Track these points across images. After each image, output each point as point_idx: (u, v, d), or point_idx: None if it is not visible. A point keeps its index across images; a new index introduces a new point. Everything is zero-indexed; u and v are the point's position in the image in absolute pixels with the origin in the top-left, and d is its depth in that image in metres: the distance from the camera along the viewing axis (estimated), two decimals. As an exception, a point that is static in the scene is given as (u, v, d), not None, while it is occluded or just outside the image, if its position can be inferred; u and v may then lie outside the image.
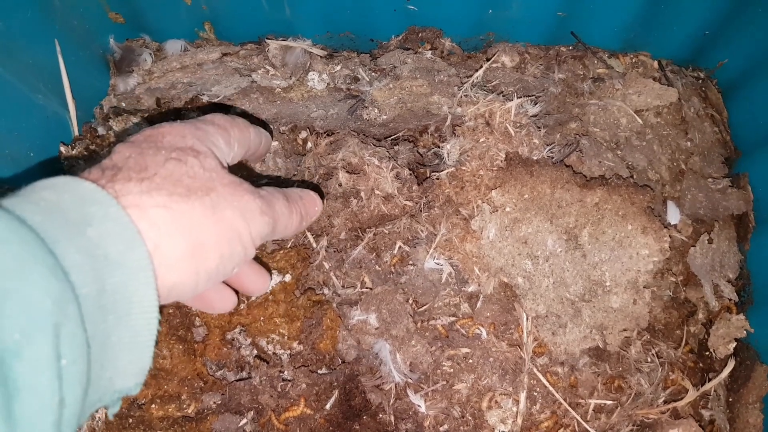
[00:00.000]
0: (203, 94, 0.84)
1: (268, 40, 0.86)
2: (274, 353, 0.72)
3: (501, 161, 0.74)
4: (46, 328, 0.31)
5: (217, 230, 0.45)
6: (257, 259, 0.74)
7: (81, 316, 0.34)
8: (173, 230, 0.42)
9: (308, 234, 0.77)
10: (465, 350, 0.72)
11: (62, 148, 0.76)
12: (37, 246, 0.33)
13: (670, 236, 0.75)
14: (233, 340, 0.72)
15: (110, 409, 0.42)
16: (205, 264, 0.45)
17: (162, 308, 0.70)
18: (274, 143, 0.81)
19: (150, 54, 0.89)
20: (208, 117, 0.55)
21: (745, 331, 0.75)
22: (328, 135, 0.80)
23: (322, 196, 0.76)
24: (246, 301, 0.73)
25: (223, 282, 0.60)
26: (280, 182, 0.78)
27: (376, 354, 0.71)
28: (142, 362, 0.40)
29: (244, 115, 0.83)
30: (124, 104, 0.86)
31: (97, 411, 0.67)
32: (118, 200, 0.40)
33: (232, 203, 0.47)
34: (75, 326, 0.33)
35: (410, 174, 0.78)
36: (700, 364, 0.77)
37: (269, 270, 0.72)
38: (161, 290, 0.42)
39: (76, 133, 0.79)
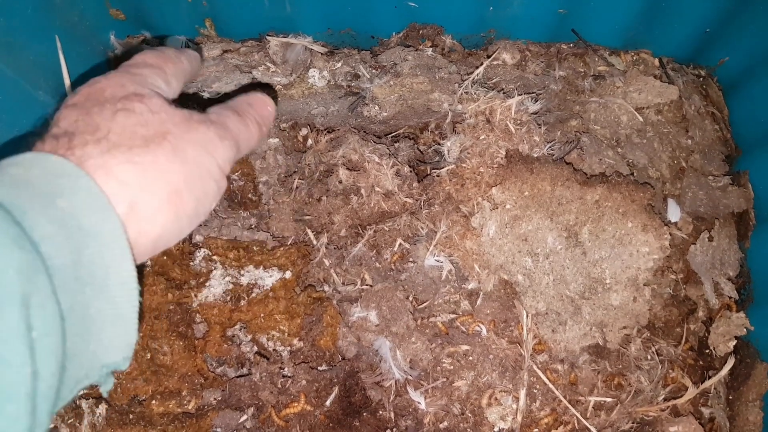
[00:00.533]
0: (204, 91, 0.84)
1: (268, 37, 0.86)
2: (274, 350, 0.72)
3: (501, 158, 0.74)
4: (13, 298, 0.31)
5: (185, 172, 0.44)
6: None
7: (53, 287, 0.34)
8: (144, 184, 0.41)
9: (308, 231, 0.77)
10: (465, 347, 0.72)
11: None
12: (3, 220, 0.33)
13: (671, 234, 0.75)
14: (233, 336, 0.73)
15: (102, 386, 0.41)
16: (184, 208, 0.44)
17: (163, 307, 0.70)
18: (275, 140, 0.81)
19: (151, 51, 0.89)
20: (138, 58, 0.53)
21: (745, 329, 0.75)
22: (328, 132, 0.81)
23: (274, 98, 0.74)
24: (246, 298, 0.73)
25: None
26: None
27: (376, 351, 0.72)
28: (127, 335, 0.40)
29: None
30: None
31: (98, 406, 0.67)
32: (82, 166, 0.39)
33: (191, 140, 0.46)
34: (45, 297, 0.33)
35: (410, 171, 0.78)
36: (700, 362, 0.77)
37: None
38: (147, 245, 0.42)
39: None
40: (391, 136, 0.82)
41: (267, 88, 0.83)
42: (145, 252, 0.42)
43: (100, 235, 0.37)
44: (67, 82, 0.76)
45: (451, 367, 0.72)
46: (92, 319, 0.37)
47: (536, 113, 0.79)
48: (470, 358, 0.72)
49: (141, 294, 0.39)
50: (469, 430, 0.70)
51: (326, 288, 0.74)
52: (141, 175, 0.41)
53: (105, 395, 0.47)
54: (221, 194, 0.50)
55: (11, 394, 0.30)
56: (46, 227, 0.35)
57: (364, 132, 0.81)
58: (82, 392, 0.67)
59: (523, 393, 0.70)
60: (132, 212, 0.40)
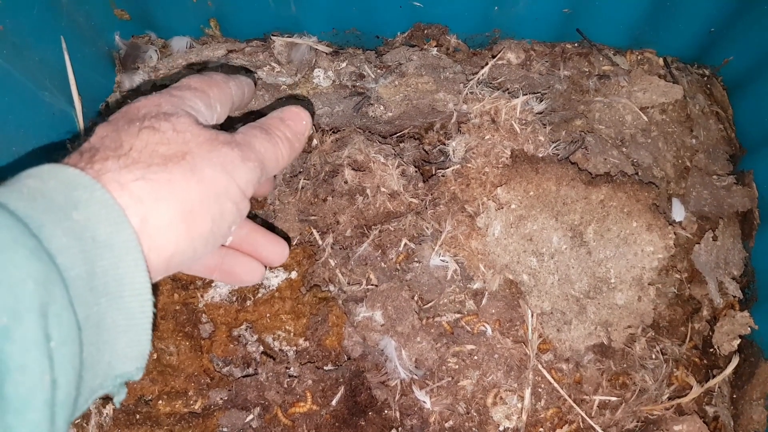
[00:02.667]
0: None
1: (273, 37, 0.86)
2: (280, 349, 0.72)
3: (506, 158, 0.74)
4: (32, 308, 0.32)
5: (200, 191, 0.44)
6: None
7: (69, 298, 0.34)
8: (157, 200, 0.41)
9: (314, 231, 0.77)
10: (470, 347, 0.72)
11: (69, 146, 0.76)
12: (19, 230, 0.33)
13: (675, 233, 0.75)
14: (240, 336, 0.73)
15: (116, 397, 0.42)
16: (198, 228, 0.44)
17: (170, 307, 0.71)
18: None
19: (156, 51, 0.89)
20: (183, 81, 0.53)
21: (749, 328, 0.75)
22: (333, 132, 0.81)
23: (310, 110, 0.74)
24: (252, 298, 0.73)
25: (244, 253, 0.61)
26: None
27: (382, 350, 0.72)
28: (140, 345, 0.40)
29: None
30: (129, 101, 0.86)
31: (105, 407, 0.67)
32: (99, 180, 0.40)
33: (211, 160, 0.46)
34: (62, 307, 0.33)
35: (416, 171, 0.78)
36: (705, 361, 0.77)
37: (288, 239, 0.70)
38: (160, 263, 0.42)
39: (82, 130, 0.79)
40: (396, 137, 0.83)
41: (303, 102, 0.83)
42: (159, 269, 0.43)
43: (114, 247, 0.38)
44: (72, 82, 0.76)
45: (457, 366, 0.72)
46: (107, 330, 0.38)
47: (541, 113, 0.79)
48: (475, 357, 0.72)
49: (155, 305, 0.40)
50: (474, 429, 0.70)
51: (332, 288, 0.75)
52: (153, 192, 0.41)
53: (117, 405, 0.48)
54: (242, 216, 0.50)
55: (32, 401, 0.31)
56: (62, 239, 0.35)
57: (370, 132, 0.81)
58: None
59: (528, 392, 0.71)
60: (144, 227, 0.40)
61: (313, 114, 0.69)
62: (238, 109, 0.65)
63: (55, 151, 0.74)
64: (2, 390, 0.30)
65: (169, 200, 0.42)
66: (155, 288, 0.41)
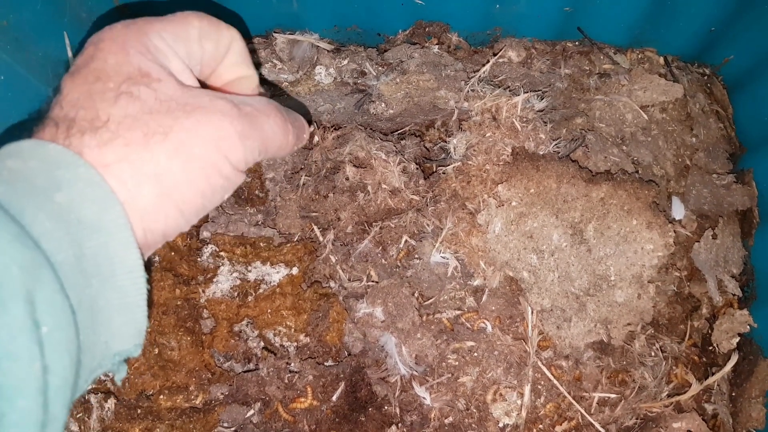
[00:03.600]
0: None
1: (275, 34, 0.87)
2: (281, 345, 0.73)
3: (507, 156, 0.75)
4: (17, 295, 0.30)
5: (188, 170, 0.40)
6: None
7: (60, 283, 0.33)
8: (140, 183, 0.38)
9: (315, 228, 0.77)
10: (470, 343, 0.72)
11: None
12: (0, 215, 0.32)
13: (675, 231, 0.75)
14: (240, 332, 0.73)
15: (116, 374, 0.40)
16: (187, 204, 0.41)
17: (171, 303, 0.71)
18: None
19: (157, 47, 0.89)
20: (160, 17, 0.46)
21: (748, 326, 0.76)
22: (335, 129, 0.81)
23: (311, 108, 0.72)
24: (253, 294, 0.73)
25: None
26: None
27: (382, 347, 0.72)
28: (136, 323, 0.39)
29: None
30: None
31: (106, 401, 0.68)
32: (81, 156, 0.37)
33: (201, 135, 0.41)
34: (53, 292, 0.32)
35: (417, 168, 0.78)
36: (704, 359, 0.77)
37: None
38: (154, 239, 0.40)
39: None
40: (398, 134, 0.83)
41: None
42: (154, 244, 0.41)
43: (102, 227, 0.36)
44: (75, 78, 0.76)
45: (456, 363, 0.72)
46: (101, 310, 0.37)
47: (542, 111, 0.80)
48: (475, 354, 0.72)
49: (149, 282, 0.39)
50: (474, 425, 0.70)
51: (332, 284, 0.75)
52: (138, 174, 0.39)
53: (119, 383, 0.46)
54: (234, 188, 0.46)
55: (21, 389, 0.30)
56: (45, 224, 0.34)
57: (371, 129, 0.81)
58: (91, 386, 0.67)
59: (527, 389, 0.71)
60: (132, 208, 0.38)
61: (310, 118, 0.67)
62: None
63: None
64: None
65: (153, 182, 0.39)
66: (148, 266, 0.40)
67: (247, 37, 0.90)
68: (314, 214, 0.77)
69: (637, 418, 0.72)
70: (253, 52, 0.88)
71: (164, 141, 0.39)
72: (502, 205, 0.73)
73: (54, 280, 0.33)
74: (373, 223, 0.77)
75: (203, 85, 0.48)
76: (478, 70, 0.83)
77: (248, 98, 0.47)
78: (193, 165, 0.41)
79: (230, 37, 0.49)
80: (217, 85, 0.52)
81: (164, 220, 0.40)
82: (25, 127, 0.41)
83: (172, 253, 0.73)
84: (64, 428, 0.34)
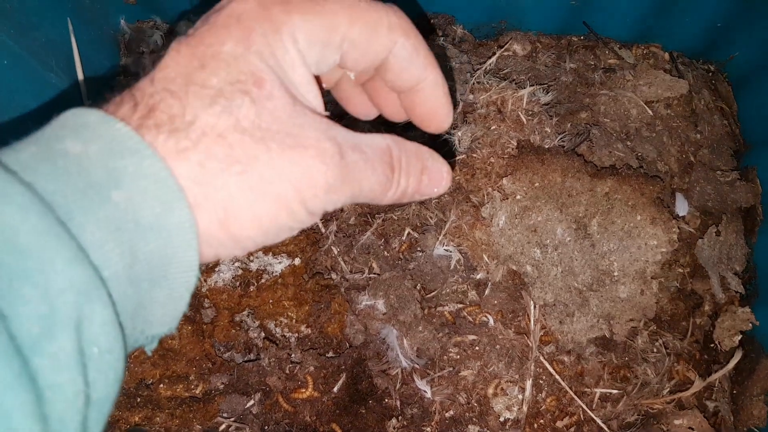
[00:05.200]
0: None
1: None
2: (282, 336, 0.72)
3: (512, 149, 0.74)
4: (68, 321, 0.28)
5: (255, 207, 0.35)
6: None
7: (111, 302, 0.30)
8: (202, 204, 0.34)
9: (317, 220, 0.76)
10: (472, 337, 0.72)
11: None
12: (59, 227, 0.28)
13: (678, 228, 0.75)
14: (241, 322, 0.73)
15: (147, 347, 0.37)
16: (245, 237, 0.36)
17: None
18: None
19: (161, 35, 0.88)
20: (307, 3, 0.37)
21: (750, 324, 0.75)
22: (338, 120, 0.80)
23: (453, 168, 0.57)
24: (255, 284, 0.73)
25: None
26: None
27: (383, 339, 0.72)
28: (176, 311, 0.36)
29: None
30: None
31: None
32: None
33: (287, 177, 0.35)
34: (104, 315, 0.30)
35: (421, 160, 0.78)
36: (705, 356, 0.77)
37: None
38: (201, 260, 0.35)
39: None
40: (402, 125, 0.82)
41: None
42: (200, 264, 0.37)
43: (163, 228, 0.33)
44: (78, 64, 0.76)
45: (458, 356, 0.72)
46: (144, 307, 0.34)
47: (547, 104, 0.79)
48: (477, 348, 0.72)
49: (198, 278, 0.35)
50: (474, 419, 0.70)
51: (334, 276, 0.74)
52: (202, 196, 0.34)
53: (149, 354, 0.43)
54: (301, 228, 0.39)
55: (67, 421, 0.29)
56: (95, 234, 0.30)
57: (375, 121, 0.81)
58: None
59: (529, 383, 0.71)
60: None
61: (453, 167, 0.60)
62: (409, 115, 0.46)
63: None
64: (42, 409, 0.27)
65: (215, 210, 0.34)
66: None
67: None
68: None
69: (638, 414, 0.72)
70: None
71: (242, 174, 0.34)
72: (507, 199, 0.73)
73: (108, 301, 0.30)
74: (376, 215, 0.76)
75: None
76: (483, 63, 0.83)
77: (366, 140, 0.39)
78: (263, 204, 0.35)
79: (389, 44, 0.40)
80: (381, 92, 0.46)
81: (216, 247, 0.36)
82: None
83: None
84: None
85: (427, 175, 0.43)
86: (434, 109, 0.45)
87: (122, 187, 0.31)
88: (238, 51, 0.35)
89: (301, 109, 0.36)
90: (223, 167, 0.33)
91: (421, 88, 0.43)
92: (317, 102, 0.39)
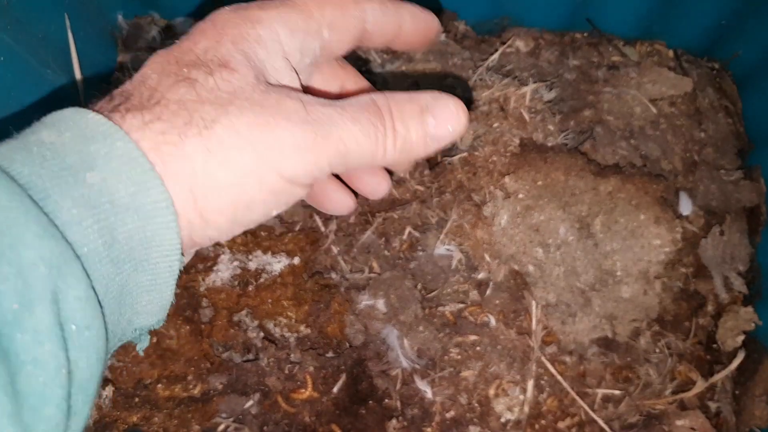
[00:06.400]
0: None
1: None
2: (281, 336, 0.72)
3: (515, 147, 0.74)
4: (44, 295, 0.28)
5: (221, 174, 0.35)
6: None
7: (87, 278, 0.30)
8: (168, 176, 0.34)
9: (317, 217, 0.76)
10: (473, 337, 0.71)
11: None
12: (29, 202, 0.29)
13: (682, 227, 0.74)
14: (240, 321, 0.72)
15: (138, 344, 0.38)
16: (215, 215, 0.36)
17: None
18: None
19: (158, 31, 0.87)
20: (278, 3, 0.39)
21: (753, 324, 0.75)
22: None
23: (469, 105, 0.56)
24: (254, 283, 0.73)
25: (340, 181, 0.49)
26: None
27: (384, 339, 0.71)
28: (162, 300, 0.36)
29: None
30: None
31: (104, 388, 0.67)
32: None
33: (247, 137, 0.35)
34: (81, 290, 0.30)
35: (422, 158, 0.77)
36: (708, 356, 0.76)
37: (390, 173, 0.54)
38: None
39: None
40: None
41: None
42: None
43: (140, 209, 0.33)
44: (75, 60, 0.75)
45: (459, 357, 0.71)
46: (129, 293, 0.34)
47: (551, 102, 0.79)
48: (478, 348, 0.71)
49: (182, 264, 0.36)
50: (475, 420, 0.69)
51: (334, 275, 0.74)
52: (165, 168, 0.34)
53: (141, 353, 0.43)
54: (291, 203, 0.39)
55: (47, 396, 0.29)
56: (72, 211, 0.31)
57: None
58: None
59: (530, 384, 0.70)
60: None
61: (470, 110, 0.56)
62: (407, 47, 0.47)
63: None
64: (16, 385, 0.27)
65: (178, 182, 0.34)
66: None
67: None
68: (317, 203, 0.76)
69: (640, 415, 0.71)
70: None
71: (200, 135, 0.34)
72: (509, 197, 0.72)
73: (83, 276, 0.30)
74: (376, 214, 0.76)
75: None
76: (485, 59, 0.82)
77: (343, 99, 0.39)
78: (229, 172, 0.35)
79: (361, 15, 0.41)
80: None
81: (188, 227, 0.35)
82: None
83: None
84: (86, 422, 0.32)
85: (431, 114, 0.40)
86: (423, 31, 0.48)
87: (96, 168, 0.32)
88: (209, 45, 0.36)
89: (265, 84, 0.37)
90: (181, 132, 0.34)
91: (405, 29, 0.45)
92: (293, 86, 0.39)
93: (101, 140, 0.32)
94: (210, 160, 0.34)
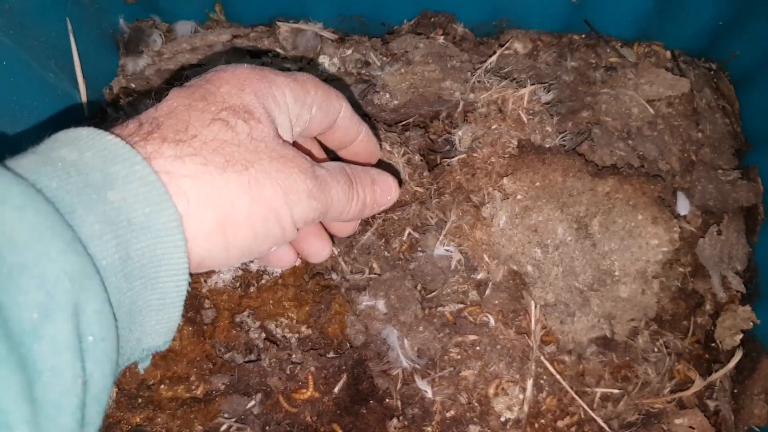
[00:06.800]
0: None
1: (279, 23, 0.86)
2: (283, 336, 0.72)
3: (513, 148, 0.74)
4: (65, 307, 0.30)
5: (251, 208, 0.41)
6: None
7: (106, 291, 0.32)
8: (202, 203, 0.38)
9: (318, 218, 0.76)
10: (472, 337, 0.72)
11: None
12: (54, 217, 0.31)
13: (680, 227, 0.75)
14: (242, 322, 0.73)
15: (141, 363, 0.40)
16: (236, 241, 0.41)
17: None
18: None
19: (160, 35, 0.88)
20: (286, 73, 0.48)
21: (751, 323, 0.75)
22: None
23: (400, 182, 0.70)
24: (256, 284, 0.73)
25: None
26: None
27: (384, 339, 0.72)
28: (170, 322, 0.39)
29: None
30: (133, 85, 0.85)
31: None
32: (149, 161, 0.36)
33: (276, 180, 0.42)
34: (101, 302, 0.32)
35: (421, 160, 0.78)
36: (706, 355, 0.77)
37: (331, 237, 0.64)
38: (191, 260, 0.39)
39: (87, 113, 0.79)
40: (402, 125, 0.82)
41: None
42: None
43: (152, 227, 0.35)
44: (77, 64, 0.76)
45: (459, 356, 0.72)
46: (139, 311, 0.36)
47: (548, 103, 0.79)
48: (477, 348, 0.72)
49: (189, 284, 0.38)
50: (475, 419, 0.70)
51: (334, 276, 0.74)
52: (201, 194, 0.38)
53: (142, 372, 0.46)
54: (286, 241, 0.46)
55: (63, 405, 0.30)
56: (94, 227, 0.33)
57: (375, 120, 0.81)
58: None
59: (530, 383, 0.71)
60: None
61: (401, 185, 0.68)
62: (354, 157, 0.60)
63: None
64: (34, 392, 0.28)
65: (214, 209, 0.39)
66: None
67: (250, 26, 0.90)
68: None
69: (639, 414, 0.72)
70: (255, 40, 0.87)
71: (241, 173, 0.40)
72: (507, 198, 0.73)
73: (101, 289, 0.32)
74: (376, 216, 0.76)
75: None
76: (483, 62, 0.83)
77: (325, 163, 0.49)
78: (258, 205, 0.41)
79: (339, 107, 0.52)
80: (332, 145, 0.58)
81: (209, 249, 0.40)
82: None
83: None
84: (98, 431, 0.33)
85: (378, 186, 0.54)
86: (372, 150, 0.61)
87: (116, 188, 0.35)
88: (233, 91, 0.42)
89: (282, 139, 0.44)
90: (224, 167, 0.39)
91: (360, 139, 0.57)
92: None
93: (120, 162, 0.35)
94: (243, 196, 0.40)
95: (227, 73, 0.44)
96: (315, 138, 0.58)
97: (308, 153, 0.53)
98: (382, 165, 0.69)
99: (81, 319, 0.31)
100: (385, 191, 0.55)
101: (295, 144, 0.49)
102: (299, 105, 0.47)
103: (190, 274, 0.38)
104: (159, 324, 0.38)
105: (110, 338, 0.33)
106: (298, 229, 0.46)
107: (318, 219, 0.48)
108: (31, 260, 0.29)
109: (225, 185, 0.39)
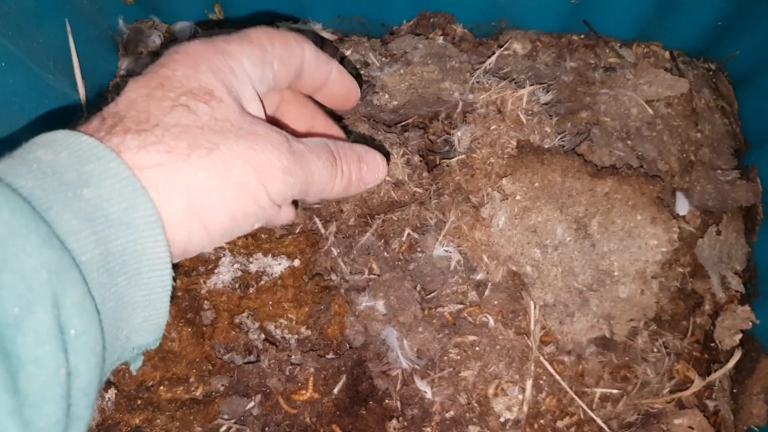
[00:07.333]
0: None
1: (278, 23, 0.86)
2: (282, 337, 0.72)
3: (512, 149, 0.74)
4: (45, 299, 0.30)
5: (222, 190, 0.40)
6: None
7: (86, 284, 0.33)
8: (171, 192, 0.38)
9: (317, 220, 0.76)
10: (472, 338, 0.72)
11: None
12: (29, 214, 0.31)
13: (679, 227, 0.75)
14: (241, 324, 0.73)
15: (132, 364, 0.41)
16: (214, 224, 0.41)
17: (173, 290, 0.70)
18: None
19: (159, 35, 0.88)
20: (239, 32, 0.46)
21: (750, 323, 0.75)
22: (337, 120, 0.80)
23: (387, 158, 0.68)
24: (255, 285, 0.73)
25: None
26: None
27: (384, 340, 0.72)
28: (158, 318, 0.39)
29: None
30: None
31: (107, 391, 0.67)
32: (119, 157, 0.36)
33: (246, 158, 0.41)
34: (79, 295, 0.32)
35: (420, 161, 0.78)
36: (706, 355, 0.77)
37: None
38: (173, 253, 0.39)
39: (86, 114, 0.79)
40: (401, 125, 0.82)
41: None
42: (174, 256, 0.40)
43: (131, 223, 0.36)
44: (76, 65, 0.75)
45: (458, 357, 0.72)
46: (125, 307, 0.36)
47: (547, 104, 0.79)
48: (477, 348, 0.72)
49: (174, 279, 0.38)
50: (475, 419, 0.70)
51: (334, 277, 0.74)
52: (169, 182, 0.38)
53: (134, 372, 0.47)
54: (267, 219, 0.45)
55: (48, 395, 0.30)
56: (72, 222, 0.33)
57: (374, 120, 0.81)
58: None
59: (529, 384, 0.71)
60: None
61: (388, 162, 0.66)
62: (330, 102, 0.59)
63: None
64: (17, 383, 0.29)
65: (185, 195, 0.39)
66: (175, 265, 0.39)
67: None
68: (316, 206, 0.77)
69: (638, 414, 0.72)
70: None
71: (207, 156, 0.39)
72: (507, 199, 0.73)
73: (81, 282, 0.33)
74: (376, 216, 0.76)
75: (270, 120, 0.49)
76: (483, 62, 0.83)
77: (307, 139, 0.48)
78: (228, 186, 0.40)
79: (301, 51, 0.50)
80: (308, 92, 0.56)
81: (187, 236, 0.40)
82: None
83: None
84: (87, 427, 0.33)
85: (365, 163, 0.53)
86: (347, 89, 0.58)
87: (91, 185, 0.35)
88: (188, 73, 0.42)
89: (250, 114, 0.44)
90: (188, 152, 0.38)
91: (332, 79, 0.55)
92: (261, 115, 0.46)
93: (95, 161, 0.36)
94: (213, 177, 0.39)
95: (180, 55, 0.43)
96: (309, 96, 0.57)
97: (285, 127, 0.52)
98: (374, 145, 0.68)
99: (61, 311, 0.31)
100: (372, 169, 0.54)
101: (273, 120, 0.49)
102: (259, 67, 0.46)
103: (175, 268, 0.39)
104: (146, 321, 0.39)
105: (93, 330, 0.33)
106: (280, 206, 0.45)
107: (299, 195, 0.47)
108: (10, 256, 0.30)
109: (190, 170, 0.39)
